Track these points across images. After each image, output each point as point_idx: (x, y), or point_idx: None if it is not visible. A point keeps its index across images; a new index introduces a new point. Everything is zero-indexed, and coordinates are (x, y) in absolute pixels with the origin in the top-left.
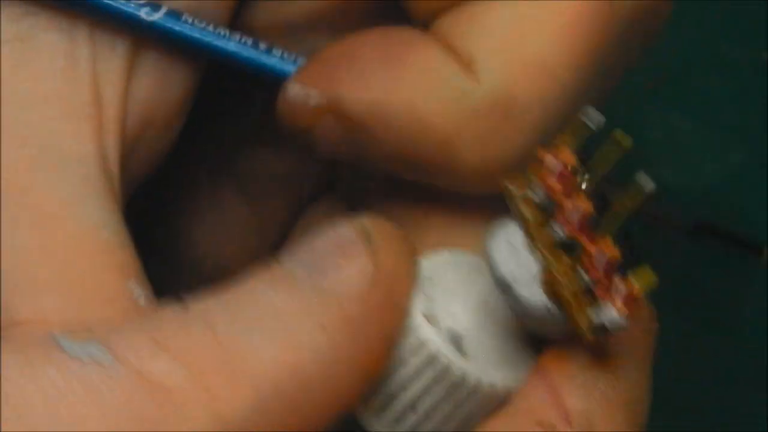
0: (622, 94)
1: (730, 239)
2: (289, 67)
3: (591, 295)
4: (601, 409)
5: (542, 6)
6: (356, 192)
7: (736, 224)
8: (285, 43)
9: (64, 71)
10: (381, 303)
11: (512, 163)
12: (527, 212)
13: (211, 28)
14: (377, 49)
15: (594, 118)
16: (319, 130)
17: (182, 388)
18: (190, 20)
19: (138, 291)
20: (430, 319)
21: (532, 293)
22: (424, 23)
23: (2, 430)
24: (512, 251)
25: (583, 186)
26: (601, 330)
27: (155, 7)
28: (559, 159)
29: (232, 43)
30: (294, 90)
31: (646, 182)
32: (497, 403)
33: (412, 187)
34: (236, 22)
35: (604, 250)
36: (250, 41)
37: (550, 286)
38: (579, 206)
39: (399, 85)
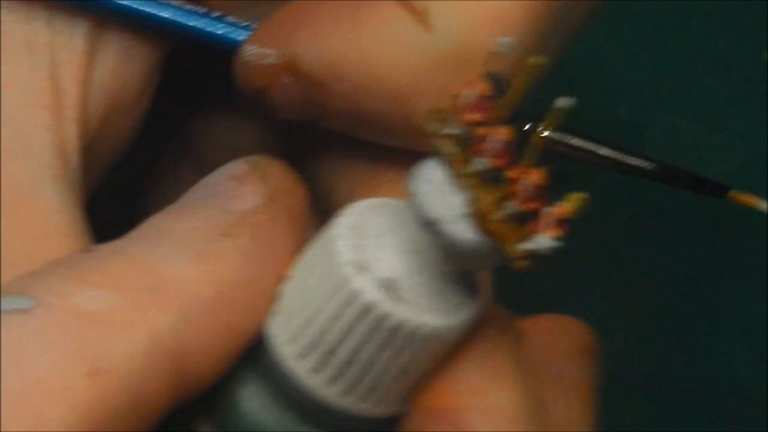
0: (622, 94)
1: (695, 179)
2: (243, 35)
3: (521, 223)
4: (509, 423)
5: None
6: (313, 168)
7: (735, 224)
8: (239, 14)
9: (22, 60)
10: (279, 212)
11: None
12: (448, 148)
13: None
14: (332, 6)
15: (505, 43)
16: (276, 90)
17: (113, 312)
18: None
19: None
20: (361, 268)
21: (461, 229)
22: None
23: None
24: (436, 190)
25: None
26: (533, 255)
27: None
28: (475, 90)
29: (186, 14)
30: (250, 50)
31: (564, 101)
32: (438, 344)
33: (367, 156)
34: None
35: (529, 175)
36: (202, 11)
37: (478, 219)
38: (499, 134)
39: (354, 40)
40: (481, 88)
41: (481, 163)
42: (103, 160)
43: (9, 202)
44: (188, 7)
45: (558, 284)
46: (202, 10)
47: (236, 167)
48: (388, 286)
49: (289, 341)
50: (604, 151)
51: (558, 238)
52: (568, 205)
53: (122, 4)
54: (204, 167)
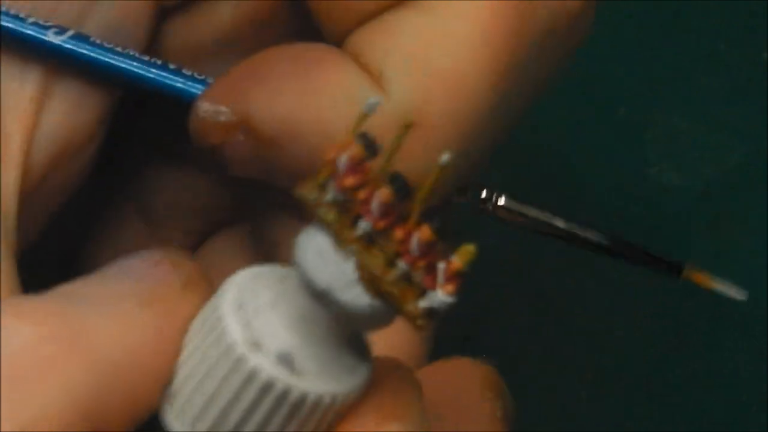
0: (622, 94)
1: (649, 256)
2: (199, 89)
3: (415, 282)
4: None
5: (454, 16)
6: (261, 221)
7: (735, 224)
8: (197, 67)
9: None
10: (192, 298)
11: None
12: (328, 215)
13: (119, 49)
14: (287, 65)
15: (371, 104)
16: (229, 148)
17: (35, 368)
18: (98, 42)
19: None
20: (255, 345)
21: (355, 296)
22: (337, 43)
23: None
24: (323, 258)
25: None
26: (431, 313)
27: (62, 30)
28: (346, 154)
29: (142, 65)
30: (204, 107)
31: (442, 156)
32: (341, 407)
33: None
34: (150, 45)
35: (415, 233)
36: (159, 63)
37: (370, 283)
38: (377, 195)
39: (308, 101)
40: (353, 151)
41: (364, 227)
42: (45, 206)
43: None
44: (145, 57)
45: (558, 284)
46: (159, 61)
47: (152, 254)
48: (285, 360)
49: (191, 427)
50: (558, 222)
51: (453, 294)
52: (458, 259)
53: (78, 52)
54: (149, 216)
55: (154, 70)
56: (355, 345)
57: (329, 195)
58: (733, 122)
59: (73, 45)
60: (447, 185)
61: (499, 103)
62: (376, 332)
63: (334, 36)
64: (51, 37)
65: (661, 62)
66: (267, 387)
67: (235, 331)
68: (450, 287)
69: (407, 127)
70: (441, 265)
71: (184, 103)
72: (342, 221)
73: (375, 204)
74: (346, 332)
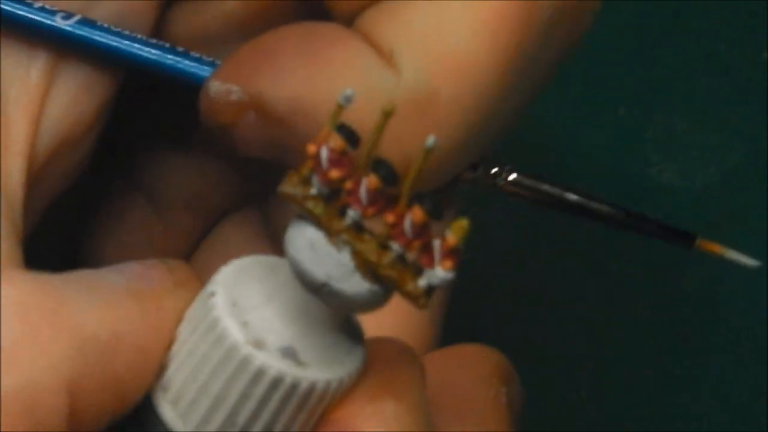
0: (622, 94)
1: (661, 227)
2: (207, 72)
3: (410, 262)
4: (398, 427)
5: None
6: (270, 205)
7: (735, 224)
8: (203, 51)
9: None
10: (183, 295)
11: (435, 161)
12: (316, 209)
13: (127, 33)
14: (298, 44)
15: (343, 95)
16: (240, 127)
17: (18, 336)
18: (105, 26)
19: None
20: (258, 344)
21: (353, 284)
22: (346, 24)
23: None
24: (316, 251)
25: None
26: (431, 290)
27: (69, 15)
28: (327, 146)
29: (150, 48)
30: (215, 86)
31: (428, 139)
32: (344, 389)
33: None
34: (156, 32)
35: (406, 215)
36: (167, 46)
37: (366, 270)
38: (363, 183)
39: (319, 79)
40: (334, 143)
41: (353, 216)
42: (47, 192)
43: None
44: (153, 40)
45: (558, 284)
46: (167, 44)
47: (146, 261)
48: (289, 354)
49: (197, 430)
50: (571, 197)
51: (452, 269)
52: (453, 235)
53: (86, 36)
54: (156, 201)
55: (162, 53)
56: (349, 327)
57: (314, 188)
58: (733, 122)
59: (81, 29)
60: (457, 168)
61: (507, 85)
62: (387, 321)
63: (343, 17)
64: (59, 22)
65: (661, 62)
66: (276, 383)
67: (235, 331)
68: (448, 263)
69: (387, 114)
70: (436, 243)
71: (193, 86)
72: (329, 213)
73: (363, 192)
74: (341, 317)
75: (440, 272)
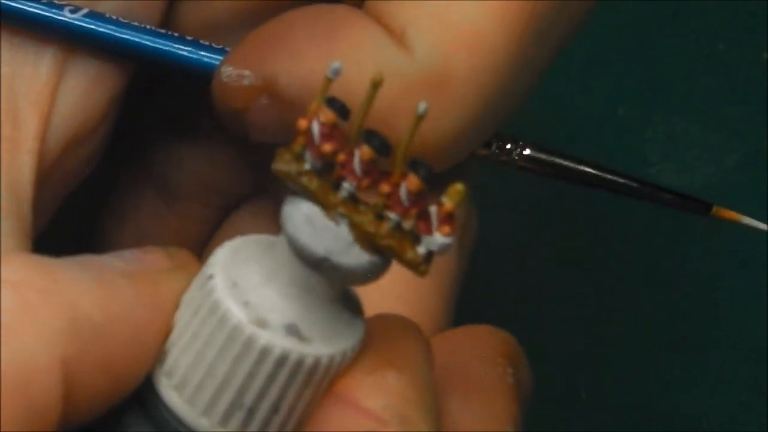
0: (622, 94)
1: (677, 196)
2: (218, 61)
3: (407, 231)
4: (400, 399)
5: None
6: (283, 193)
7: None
8: (212, 41)
9: None
10: (180, 277)
11: (452, 138)
12: (310, 184)
13: (136, 24)
14: (309, 26)
15: (332, 68)
16: (253, 112)
17: (11, 312)
18: (114, 18)
19: None
20: (261, 323)
21: (353, 257)
22: (357, 4)
23: None
24: (314, 226)
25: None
26: (431, 257)
27: (77, 8)
28: (316, 120)
29: (160, 39)
30: (227, 71)
31: (419, 106)
32: (347, 362)
33: None
34: (164, 24)
35: (401, 183)
36: (176, 35)
37: (365, 241)
38: (358, 155)
39: (331, 61)
40: (325, 117)
41: (348, 188)
42: (58, 189)
43: None
44: (162, 30)
45: (558, 283)
46: (176, 34)
47: (145, 247)
48: (293, 331)
49: (204, 413)
50: (586, 169)
51: (450, 234)
52: (449, 201)
53: (95, 29)
54: (168, 192)
55: (173, 44)
56: (348, 300)
57: (308, 164)
58: (733, 122)
59: (90, 23)
60: (473, 145)
61: (521, 60)
62: (397, 302)
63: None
64: (67, 16)
65: (661, 62)
66: (282, 360)
67: (237, 312)
68: (446, 228)
69: (376, 85)
70: (433, 209)
71: (204, 75)
72: (324, 187)
73: (356, 164)
74: (340, 291)
75: (439, 238)
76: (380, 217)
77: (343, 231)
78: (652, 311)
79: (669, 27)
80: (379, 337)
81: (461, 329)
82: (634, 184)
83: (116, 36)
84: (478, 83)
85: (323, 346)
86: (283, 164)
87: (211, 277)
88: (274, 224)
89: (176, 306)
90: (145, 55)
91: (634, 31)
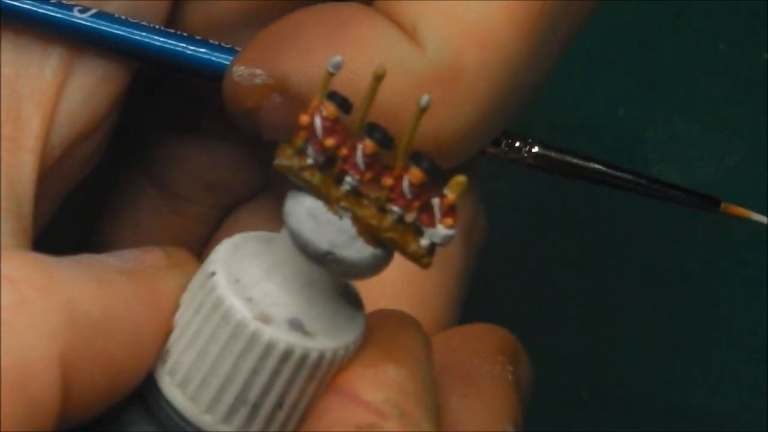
0: (622, 94)
1: (686, 192)
2: (228, 60)
3: (409, 223)
4: (400, 392)
5: None
6: (286, 191)
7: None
8: (219, 41)
9: None
10: (178, 274)
11: (464, 134)
12: (313, 178)
13: (144, 24)
14: (320, 24)
15: (333, 62)
16: (265, 110)
17: (10, 308)
18: (123, 18)
19: None
20: (264, 319)
21: (357, 250)
22: (367, 1)
23: None
24: (317, 221)
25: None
26: (433, 249)
27: (85, 8)
28: (318, 115)
29: (169, 39)
30: (239, 70)
31: (422, 98)
32: (350, 355)
33: None
34: (169, 24)
35: (403, 176)
36: (185, 35)
37: (368, 234)
38: (359, 149)
39: (344, 60)
40: (327, 112)
41: (350, 182)
42: (59, 188)
43: None
44: (171, 30)
45: (558, 283)
46: (184, 33)
47: (144, 247)
48: (296, 326)
49: (208, 410)
50: (595, 166)
51: (452, 226)
52: (451, 192)
53: (104, 30)
54: (169, 190)
55: (182, 43)
56: (348, 294)
57: (310, 158)
58: (733, 122)
59: (99, 23)
60: (484, 141)
61: (531, 55)
62: (401, 301)
63: None
64: (77, 16)
65: (661, 62)
66: (286, 355)
67: (241, 308)
68: (449, 220)
69: (379, 78)
70: (435, 201)
71: (214, 74)
72: (327, 181)
73: (359, 157)
74: (341, 285)
75: (441, 230)
76: (383, 210)
77: (346, 225)
78: (653, 311)
79: (670, 27)
80: (378, 332)
81: (461, 328)
82: (643, 181)
83: (127, 36)
84: (490, 78)
85: (327, 340)
86: (285, 159)
87: (212, 274)
88: (274, 222)
89: (175, 304)
90: (155, 55)
91: (635, 32)
